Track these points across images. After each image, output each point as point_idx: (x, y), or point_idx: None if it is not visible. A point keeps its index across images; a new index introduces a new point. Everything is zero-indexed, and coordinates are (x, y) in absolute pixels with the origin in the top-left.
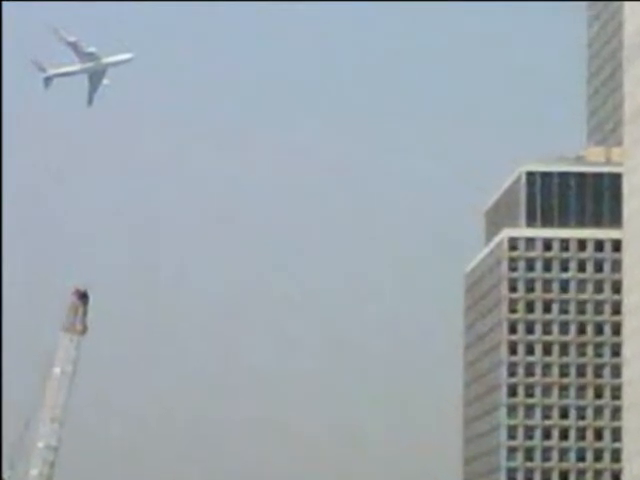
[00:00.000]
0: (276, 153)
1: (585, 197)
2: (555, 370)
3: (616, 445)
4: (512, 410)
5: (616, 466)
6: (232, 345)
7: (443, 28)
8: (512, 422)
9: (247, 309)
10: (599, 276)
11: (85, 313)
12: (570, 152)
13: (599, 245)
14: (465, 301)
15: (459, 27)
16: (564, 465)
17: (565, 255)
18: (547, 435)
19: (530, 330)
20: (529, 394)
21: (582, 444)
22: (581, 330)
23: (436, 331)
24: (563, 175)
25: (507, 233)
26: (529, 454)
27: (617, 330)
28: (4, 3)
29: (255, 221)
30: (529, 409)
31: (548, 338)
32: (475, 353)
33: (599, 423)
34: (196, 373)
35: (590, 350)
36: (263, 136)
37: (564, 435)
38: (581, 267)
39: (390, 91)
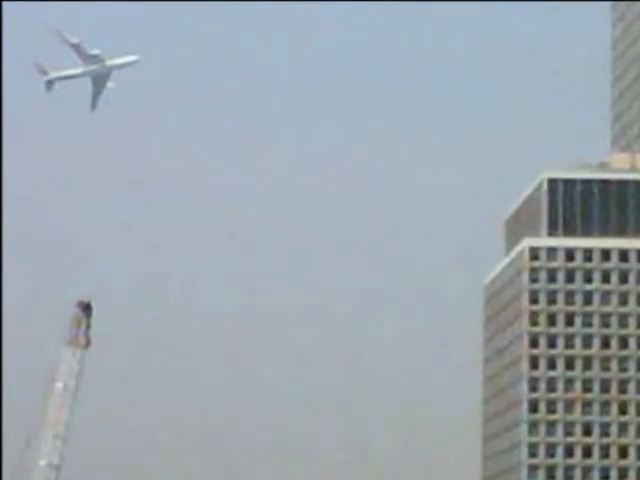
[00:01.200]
0: (291, 164)
1: (609, 205)
2: (578, 385)
3: None
4: (533, 427)
5: None
6: (244, 362)
7: (464, 32)
8: (533, 439)
9: (260, 325)
10: (624, 287)
11: (89, 326)
12: (593, 158)
13: (624, 255)
14: (484, 313)
15: (480, 31)
16: None
17: (588, 265)
18: (570, 453)
19: (552, 344)
20: (551, 410)
21: (606, 462)
22: (605, 343)
23: (454, 345)
24: (586, 182)
25: (528, 243)
26: (551, 472)
27: None
28: (4, 3)
29: (269, 235)
30: (551, 426)
31: (571, 352)
32: (495, 367)
33: (624, 440)
34: (206, 390)
35: (614, 364)
36: (277, 145)
37: (587, 453)
38: (605, 278)
39: (409, 98)
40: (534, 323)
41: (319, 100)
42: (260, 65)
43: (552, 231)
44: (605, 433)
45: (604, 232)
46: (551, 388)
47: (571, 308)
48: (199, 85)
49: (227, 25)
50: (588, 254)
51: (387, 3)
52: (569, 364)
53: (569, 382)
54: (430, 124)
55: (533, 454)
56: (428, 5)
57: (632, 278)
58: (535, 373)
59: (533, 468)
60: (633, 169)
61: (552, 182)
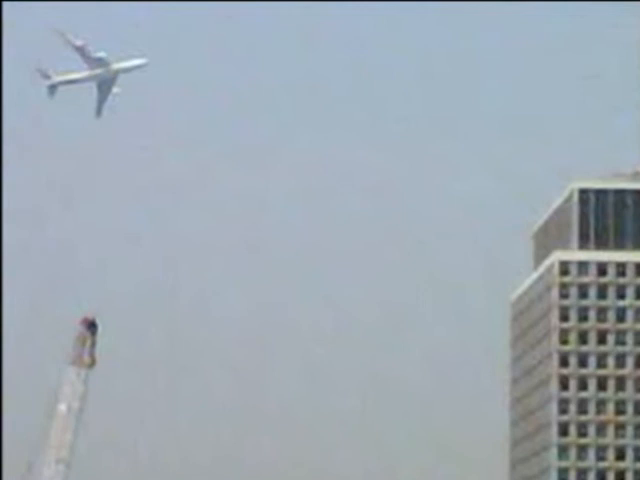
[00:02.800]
0: (306, 171)
1: None
2: (611, 407)
3: None
4: (563, 451)
5: None
6: (257, 381)
7: (491, 33)
8: (564, 464)
9: (273, 341)
10: None
11: (94, 344)
12: (627, 167)
13: None
14: (512, 331)
15: (507, 32)
16: None
17: (621, 280)
18: (602, 478)
19: (583, 363)
20: (582, 433)
21: None
22: (639, 363)
23: (480, 364)
24: (619, 192)
25: (558, 256)
26: None
27: None
28: (4, 3)
29: (283, 244)
30: (582, 450)
31: (603, 372)
32: (523, 388)
33: None
34: (217, 411)
35: None
36: (290, 150)
37: (620, 478)
38: (639, 294)
39: (431, 101)
40: (564, 341)
41: (334, 102)
42: (272, 67)
43: (583, 244)
44: (639, 457)
45: (638, 245)
46: (582, 410)
47: (603, 325)
48: (208, 89)
49: (237, 26)
50: (621, 268)
51: (408, 2)
52: (601, 384)
53: (601, 403)
54: (454, 129)
55: (563, 479)
56: (452, 5)
57: None
58: (565, 394)
59: None
60: None
61: (583, 192)
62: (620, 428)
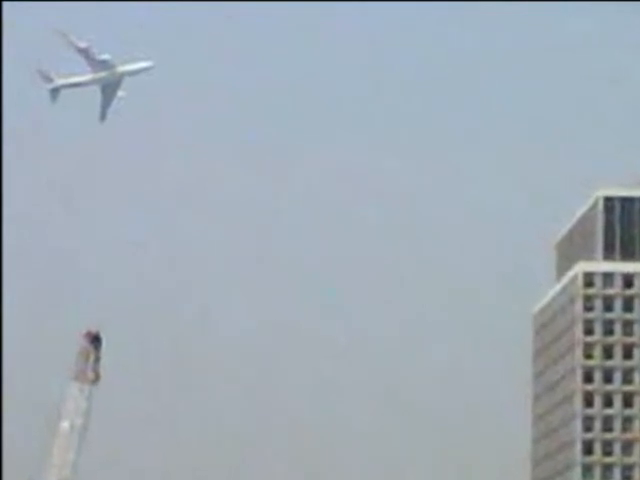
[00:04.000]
0: (318, 177)
1: None
2: (637, 424)
3: None
4: (588, 470)
5: None
6: (266, 397)
7: (512, 37)
8: None
9: (283, 356)
10: None
11: (97, 359)
12: None
13: None
14: (534, 345)
15: (527, 34)
16: None
17: None
18: None
19: (608, 378)
20: (607, 452)
21: None
22: None
23: (500, 380)
24: None
25: (582, 267)
26: None
27: None
28: (4, 3)
29: (293, 254)
30: (607, 469)
31: (629, 388)
32: (545, 405)
33: None
34: (224, 428)
35: None
36: (302, 156)
37: None
38: None
39: (449, 106)
40: (589, 356)
41: (347, 106)
42: (282, 70)
43: (608, 254)
44: None
45: None
46: (607, 427)
47: (629, 339)
48: (216, 92)
49: (246, 27)
50: None
51: (425, 2)
52: (627, 401)
53: (627, 421)
54: (473, 135)
55: None
56: (470, 5)
57: None
58: (590, 411)
59: None
60: None
61: (609, 200)
62: None
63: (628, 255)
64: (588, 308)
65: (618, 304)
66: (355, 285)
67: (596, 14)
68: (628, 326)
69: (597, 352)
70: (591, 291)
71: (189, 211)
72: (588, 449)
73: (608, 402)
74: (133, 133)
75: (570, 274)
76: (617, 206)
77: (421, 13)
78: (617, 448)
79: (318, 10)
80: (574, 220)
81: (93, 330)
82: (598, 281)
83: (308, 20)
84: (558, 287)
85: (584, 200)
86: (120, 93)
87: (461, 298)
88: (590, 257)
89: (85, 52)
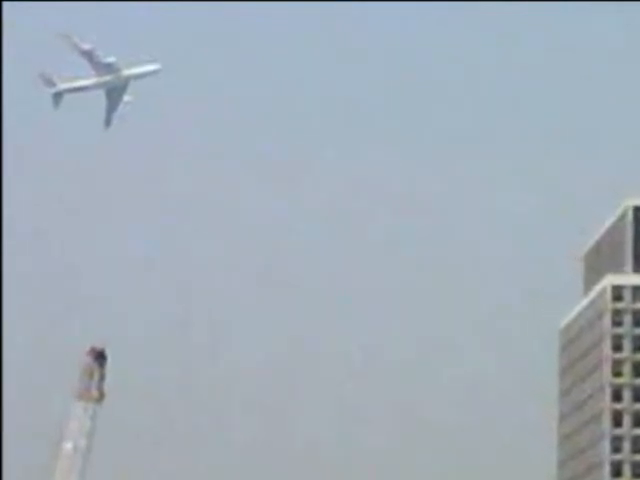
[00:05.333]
0: (333, 187)
1: None
2: None
3: None
4: None
5: None
6: (280, 419)
7: (536, 42)
8: None
9: (298, 377)
10: None
11: (102, 377)
12: None
13: None
14: (560, 362)
15: (552, 42)
16: None
17: None
18: None
19: (638, 397)
20: (637, 473)
21: None
22: None
23: (525, 398)
24: None
25: (610, 280)
26: None
27: None
28: (4, 3)
29: (308, 270)
30: None
31: None
32: (572, 424)
33: None
34: (237, 452)
35: None
36: (317, 166)
37: None
38: None
39: (470, 111)
40: (617, 373)
41: (365, 114)
42: (296, 76)
43: (638, 267)
44: None
45: None
46: (637, 448)
47: None
48: (227, 98)
49: (259, 30)
50: None
51: (446, 3)
52: None
53: None
54: (496, 142)
55: None
56: (494, 5)
57: None
58: (618, 431)
59: None
60: None
61: (638, 210)
62: None
63: None
64: (617, 323)
65: None
66: (372, 300)
67: (620, 22)
68: None
69: (626, 369)
70: (620, 305)
71: (198, 223)
72: (617, 471)
73: (638, 422)
74: (140, 140)
75: (598, 288)
76: None
77: (440, 14)
78: None
79: (334, 12)
80: (602, 231)
81: (98, 347)
82: (627, 295)
83: (323, 23)
84: (585, 301)
85: (612, 210)
86: (126, 98)
87: (483, 313)
88: (619, 270)
89: (89, 54)
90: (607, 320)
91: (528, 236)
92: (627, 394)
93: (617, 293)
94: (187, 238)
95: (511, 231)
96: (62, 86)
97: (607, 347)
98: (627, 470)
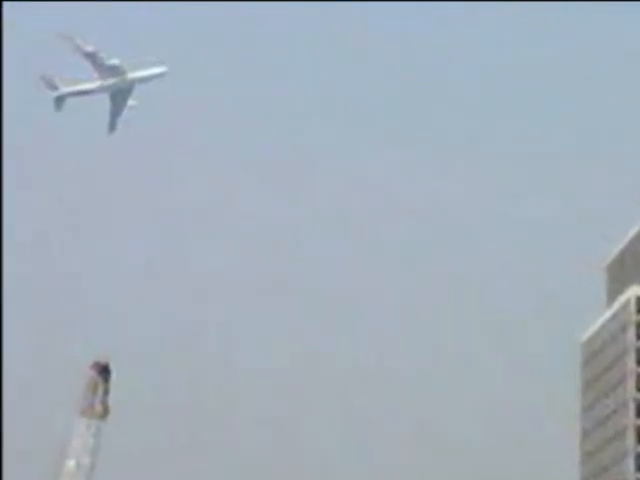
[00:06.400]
0: (345, 195)
1: None
2: None
3: None
4: None
5: None
6: (291, 434)
7: (558, 42)
8: None
9: (310, 390)
10: None
11: (106, 392)
12: None
13: None
14: (582, 377)
15: (574, 41)
16: None
17: None
18: None
19: None
20: None
21: None
22: None
23: (546, 414)
24: None
25: (634, 291)
26: None
27: None
28: (5, 4)
29: (318, 278)
30: None
31: None
32: (595, 441)
33: None
34: (247, 469)
35: None
36: (326, 171)
37: None
38: None
39: (488, 115)
40: None
41: (376, 117)
42: (304, 77)
43: None
44: None
45: None
46: None
47: None
48: (235, 102)
49: (266, 31)
50: None
51: (462, 2)
52: None
53: None
54: (516, 146)
55: None
56: (513, 5)
57: None
58: None
59: None
60: None
61: None
62: None
63: None
64: None
65: None
66: (385, 312)
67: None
68: None
69: None
70: None
71: (206, 231)
72: None
73: None
74: (145, 146)
75: (622, 299)
76: None
77: (460, 14)
78: None
79: (343, 13)
80: (626, 240)
81: (102, 361)
82: None
83: (331, 25)
84: (608, 313)
85: (636, 218)
86: (131, 102)
87: (502, 325)
88: None
89: (92, 56)
90: (631, 333)
91: (548, 245)
92: None
93: None
94: (193, 243)
95: (531, 240)
96: (64, 89)
97: (631, 361)
98: None
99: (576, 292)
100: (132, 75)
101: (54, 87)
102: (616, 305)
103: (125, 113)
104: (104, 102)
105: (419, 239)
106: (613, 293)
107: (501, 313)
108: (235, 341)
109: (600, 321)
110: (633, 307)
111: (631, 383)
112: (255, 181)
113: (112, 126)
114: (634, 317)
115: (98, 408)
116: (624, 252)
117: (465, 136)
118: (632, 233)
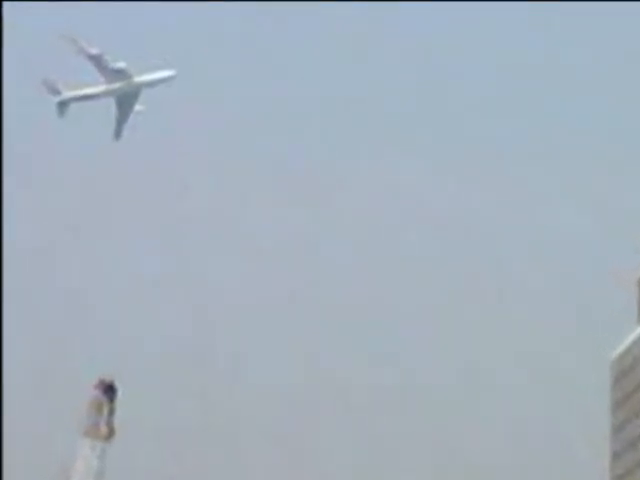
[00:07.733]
0: (364, 204)
1: None
2: None
3: None
4: None
5: None
6: (305, 455)
7: (589, 47)
8: None
9: (324, 409)
10: None
11: (112, 412)
12: None
13: None
14: (612, 396)
15: (607, 47)
16: None
17: None
18: None
19: None
20: None
21: None
22: None
23: (574, 435)
24: None
25: None
26: None
27: None
28: (5, 4)
29: (334, 292)
30: None
31: None
32: (626, 464)
33: None
34: None
35: None
36: (344, 179)
37: None
38: None
39: (515, 120)
40: None
41: (396, 122)
42: (321, 80)
43: None
44: None
45: None
46: None
47: None
48: (246, 107)
49: (279, 32)
50: None
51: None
52: None
53: None
54: (545, 156)
55: None
56: (539, 4)
57: None
58: None
59: None
60: None
61: None
62: None
63: None
64: None
65: None
66: (407, 327)
67: None
68: None
69: None
70: None
71: (216, 243)
72: None
73: None
74: (152, 153)
75: None
76: None
77: (490, 13)
78: None
79: (364, 13)
80: None
81: (106, 379)
82: None
83: (352, 24)
84: None
85: None
86: (138, 107)
87: (528, 342)
88: None
89: (97, 60)
90: None
91: (577, 258)
92: None
93: None
94: (203, 256)
95: (558, 253)
96: (68, 94)
97: None
98: None
99: (606, 307)
100: (139, 79)
101: (57, 91)
102: None
103: (131, 119)
104: (109, 107)
105: (446, 252)
106: None
107: (528, 329)
108: (246, 358)
109: (631, 337)
110: None
111: None
112: (268, 189)
113: (118, 132)
114: None
115: (103, 429)
116: None
117: (494, 145)
118: None
